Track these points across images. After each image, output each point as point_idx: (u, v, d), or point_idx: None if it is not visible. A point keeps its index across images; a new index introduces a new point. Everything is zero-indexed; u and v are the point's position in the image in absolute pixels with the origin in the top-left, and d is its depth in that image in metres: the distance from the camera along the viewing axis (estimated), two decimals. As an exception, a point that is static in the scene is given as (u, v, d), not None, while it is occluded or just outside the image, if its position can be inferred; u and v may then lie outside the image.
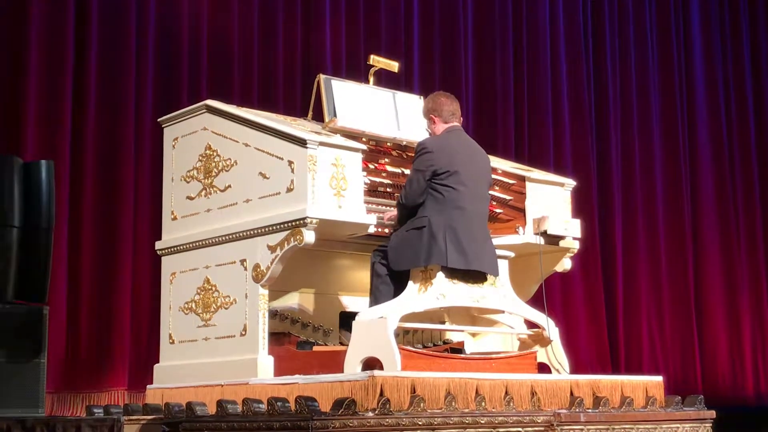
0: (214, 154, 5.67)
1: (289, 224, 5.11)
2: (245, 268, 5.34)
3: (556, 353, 5.51)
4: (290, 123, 5.63)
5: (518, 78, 9.79)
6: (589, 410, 4.94)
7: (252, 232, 5.32)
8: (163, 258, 5.96)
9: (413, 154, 5.74)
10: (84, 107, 7.31)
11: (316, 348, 5.48)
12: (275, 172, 5.26)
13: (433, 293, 5.09)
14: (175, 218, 5.92)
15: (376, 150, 5.88)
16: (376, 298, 5.20)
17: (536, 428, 4.71)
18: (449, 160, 5.20)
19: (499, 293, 5.34)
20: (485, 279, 5.28)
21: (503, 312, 5.66)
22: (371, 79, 6.28)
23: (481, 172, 5.39)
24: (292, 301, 5.75)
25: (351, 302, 5.84)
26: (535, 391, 4.89)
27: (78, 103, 7.29)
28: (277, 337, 5.52)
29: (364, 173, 5.35)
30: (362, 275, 5.77)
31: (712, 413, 5.43)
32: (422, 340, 6.02)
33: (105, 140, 7.38)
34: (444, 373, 4.70)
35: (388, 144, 5.99)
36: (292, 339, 5.56)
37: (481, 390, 4.68)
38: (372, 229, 5.31)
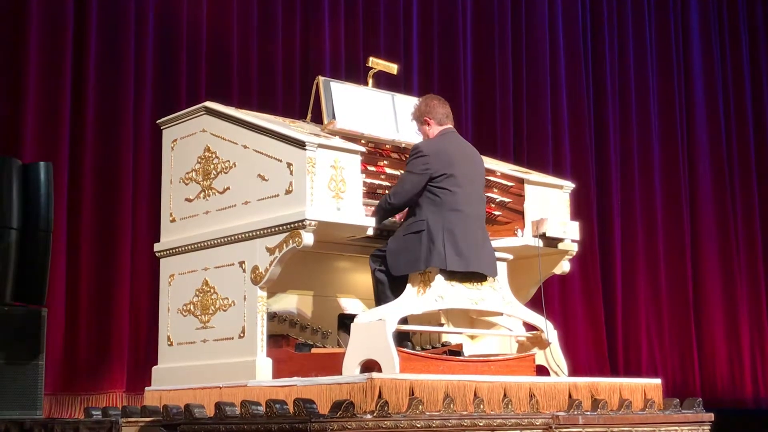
0: (213, 156, 5.67)
1: (288, 226, 5.11)
2: (244, 270, 5.34)
3: (554, 356, 5.51)
4: (289, 125, 5.64)
5: (517, 80, 9.79)
6: (588, 413, 4.94)
7: (251, 234, 5.32)
8: (161, 260, 5.95)
9: (411, 157, 5.75)
10: (83, 109, 7.30)
11: (314, 350, 5.48)
12: (274, 174, 5.26)
13: (431, 295, 5.09)
14: (173, 220, 5.92)
15: (375, 152, 5.88)
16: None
17: (534, 431, 4.71)
18: (445, 163, 5.20)
19: (497, 295, 5.34)
20: (484, 281, 5.28)
21: (502, 314, 5.66)
22: (370, 81, 6.28)
23: (477, 173, 5.39)
24: (290, 303, 5.75)
25: (349, 304, 5.84)
26: (534, 394, 4.89)
27: (77, 105, 7.29)
28: (275, 339, 5.52)
29: (363, 175, 5.35)
30: (361, 277, 5.77)
31: (711, 416, 5.44)
32: (420, 343, 6.01)
33: (104, 142, 7.38)
34: (442, 376, 4.70)
35: (387, 146, 6.00)
36: (290, 341, 5.56)
37: (480, 392, 4.69)
38: (371, 231, 5.31)
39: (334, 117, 5.82)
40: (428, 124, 5.46)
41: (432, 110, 5.45)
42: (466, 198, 5.23)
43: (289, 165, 5.17)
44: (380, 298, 5.25)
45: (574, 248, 6.04)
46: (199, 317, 5.61)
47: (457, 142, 5.42)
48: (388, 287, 5.22)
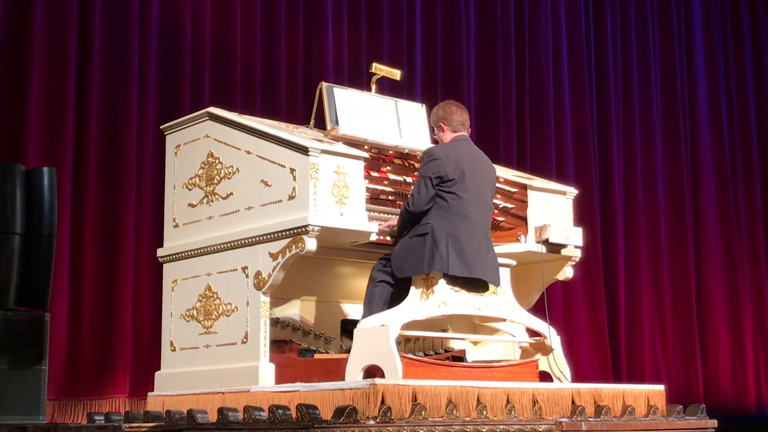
0: (216, 161, 5.68)
1: (291, 232, 5.12)
2: (247, 276, 5.34)
3: (557, 361, 5.51)
4: (292, 131, 5.64)
5: (520, 85, 9.79)
6: (591, 419, 4.94)
7: (254, 240, 5.33)
8: (164, 265, 5.96)
9: (415, 162, 5.76)
10: (86, 114, 7.31)
11: (317, 356, 5.48)
12: (277, 179, 5.26)
13: (434, 301, 5.09)
14: (176, 225, 5.93)
15: (378, 158, 5.88)
16: (369, 306, 5.20)
17: (538, 437, 4.71)
18: (455, 168, 5.20)
19: (500, 301, 5.34)
20: (487, 287, 5.28)
21: (505, 320, 5.66)
22: (373, 86, 6.29)
23: (486, 181, 5.39)
24: (293, 308, 5.76)
25: (352, 310, 5.84)
26: (537, 400, 4.89)
27: (80, 110, 7.29)
28: (278, 345, 5.53)
29: (366, 181, 5.35)
30: (364, 283, 5.76)
31: (714, 422, 5.43)
32: (424, 348, 6.01)
33: (107, 147, 7.38)
34: (445, 382, 4.70)
35: (390, 152, 6.00)
36: (293, 347, 5.57)
37: (483, 398, 4.68)
38: (374, 237, 5.31)
39: (337, 123, 5.83)
40: (443, 130, 5.46)
41: (449, 116, 5.45)
42: (473, 205, 5.23)
43: (292, 170, 5.18)
44: (366, 300, 5.25)
45: (578, 254, 6.04)
46: (202, 322, 5.61)
47: (469, 149, 5.42)
48: (377, 290, 5.21)
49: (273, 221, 5.24)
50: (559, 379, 5.49)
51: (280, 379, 5.20)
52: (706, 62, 11.22)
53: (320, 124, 5.98)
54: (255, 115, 6.22)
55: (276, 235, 5.20)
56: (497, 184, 5.87)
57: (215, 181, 5.68)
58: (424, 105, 6.36)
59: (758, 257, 10.96)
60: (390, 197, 5.67)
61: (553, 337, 5.50)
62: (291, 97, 8.26)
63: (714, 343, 10.51)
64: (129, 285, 7.30)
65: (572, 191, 6.24)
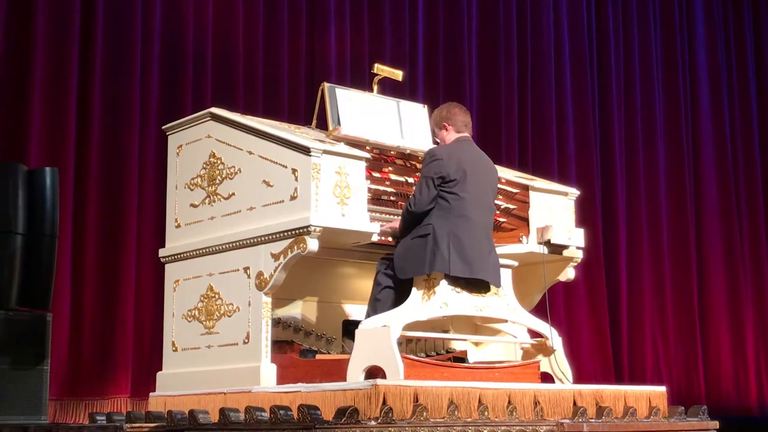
0: (218, 161, 5.68)
1: (293, 232, 5.12)
2: (248, 276, 5.34)
3: (559, 363, 5.51)
4: (294, 131, 5.64)
5: (522, 85, 9.79)
6: (592, 420, 4.94)
7: (255, 240, 5.33)
8: (166, 265, 5.96)
9: (417, 163, 5.76)
10: (88, 114, 7.31)
11: (318, 356, 5.48)
12: (279, 180, 5.27)
13: (436, 302, 5.08)
14: (178, 226, 5.93)
15: (380, 158, 5.88)
16: (374, 308, 5.20)
17: (539, 438, 4.71)
18: (457, 168, 5.20)
19: (502, 302, 5.34)
20: (489, 288, 5.28)
21: (506, 321, 5.66)
22: (375, 87, 6.28)
23: (488, 182, 5.39)
24: (295, 309, 5.76)
25: (354, 311, 5.84)
26: (538, 401, 4.89)
27: (82, 111, 7.29)
28: (280, 346, 5.53)
29: (368, 181, 5.35)
30: (366, 284, 5.77)
31: (716, 424, 5.43)
32: (425, 349, 6.01)
33: (109, 147, 7.38)
34: (447, 382, 4.70)
35: (392, 152, 6.00)
36: (295, 347, 5.57)
37: (484, 399, 4.68)
38: (375, 238, 5.31)
39: (339, 123, 5.83)
40: (446, 130, 5.46)
41: (452, 117, 5.46)
42: (475, 205, 5.22)
43: (294, 171, 5.18)
44: (371, 301, 5.25)
45: (579, 255, 6.04)
46: (204, 323, 5.61)
47: (471, 149, 5.42)
48: (383, 291, 5.22)
49: (275, 222, 5.24)
50: (560, 380, 5.48)
51: (281, 379, 5.20)
52: (708, 58, 11.22)
53: (322, 125, 5.98)
54: (257, 116, 6.22)
55: (278, 235, 5.20)
56: (499, 185, 5.87)
57: (217, 182, 5.68)
58: (426, 106, 6.36)
59: (760, 257, 10.95)
60: (392, 198, 5.67)
61: (554, 338, 5.50)
62: (293, 98, 8.26)
63: (716, 343, 10.51)
64: (131, 285, 7.30)
65: (574, 192, 6.23)
